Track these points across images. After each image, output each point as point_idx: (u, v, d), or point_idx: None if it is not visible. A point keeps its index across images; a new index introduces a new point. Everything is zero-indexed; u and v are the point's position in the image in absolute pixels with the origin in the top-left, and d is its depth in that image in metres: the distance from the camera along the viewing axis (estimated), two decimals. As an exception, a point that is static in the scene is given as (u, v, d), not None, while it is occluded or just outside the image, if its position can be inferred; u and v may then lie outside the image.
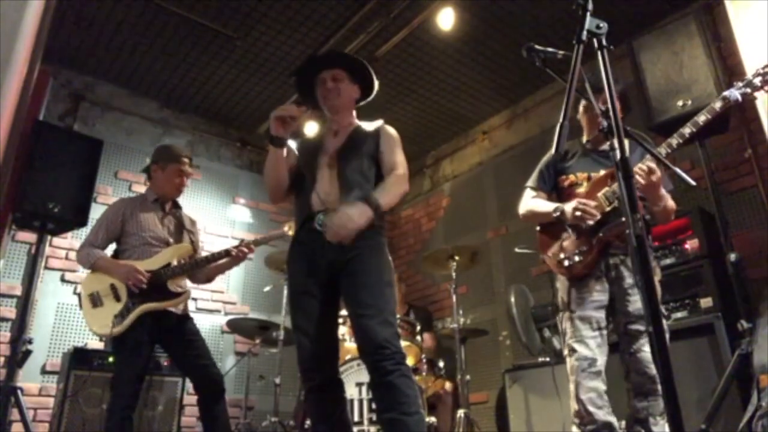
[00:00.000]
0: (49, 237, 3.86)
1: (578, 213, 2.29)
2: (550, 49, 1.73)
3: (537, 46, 1.73)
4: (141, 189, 3.08)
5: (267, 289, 4.52)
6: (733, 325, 2.59)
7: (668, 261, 3.23)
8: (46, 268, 4.07)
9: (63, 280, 4.14)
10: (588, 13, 1.43)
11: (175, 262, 2.83)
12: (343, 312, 2.43)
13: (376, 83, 2.32)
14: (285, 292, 3.97)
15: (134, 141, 4.74)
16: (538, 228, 2.54)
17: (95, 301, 2.67)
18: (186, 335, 2.80)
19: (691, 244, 3.17)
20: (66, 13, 3.92)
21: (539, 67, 1.73)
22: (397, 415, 1.78)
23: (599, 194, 2.34)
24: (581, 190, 2.43)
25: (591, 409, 2.19)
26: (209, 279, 3.06)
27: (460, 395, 3.50)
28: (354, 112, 2.33)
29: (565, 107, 1.39)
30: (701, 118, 2.23)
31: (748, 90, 2.25)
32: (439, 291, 5.25)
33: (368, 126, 2.27)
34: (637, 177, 2.18)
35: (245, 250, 2.97)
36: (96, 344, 3.94)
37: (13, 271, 3.93)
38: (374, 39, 4.17)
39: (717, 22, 3.44)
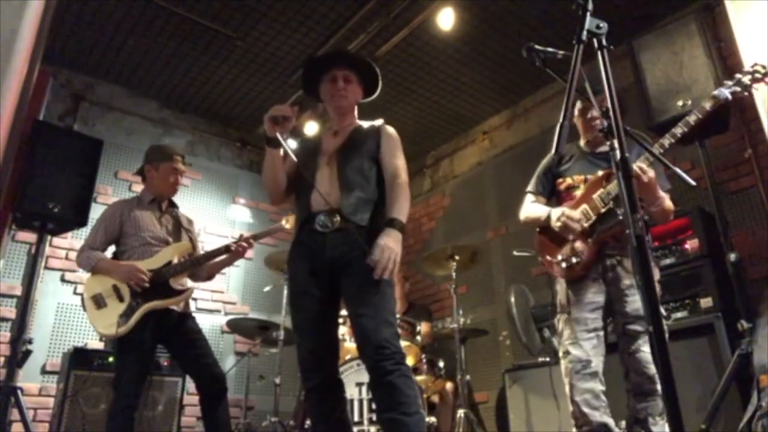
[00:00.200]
0: (49, 237, 3.85)
1: (559, 224, 2.36)
2: (550, 49, 1.73)
3: (537, 46, 1.73)
4: (141, 189, 3.08)
5: (267, 289, 4.52)
6: (733, 325, 2.59)
7: (668, 261, 3.22)
8: (46, 268, 4.07)
9: (63, 280, 4.14)
10: (588, 13, 1.43)
11: (176, 260, 2.84)
12: (343, 312, 2.43)
13: (379, 88, 2.33)
14: (285, 292, 3.97)
15: (134, 141, 4.74)
16: (537, 230, 2.56)
17: (99, 302, 2.66)
18: (188, 334, 2.80)
19: (691, 244, 3.17)
20: (66, 13, 3.92)
21: (539, 67, 1.73)
22: (397, 415, 1.78)
23: (594, 196, 2.36)
24: (578, 192, 2.45)
25: (586, 410, 2.21)
26: (210, 277, 3.07)
27: (460, 395, 3.49)
28: (355, 112, 2.33)
29: (565, 107, 1.38)
30: (692, 118, 2.24)
31: (738, 88, 2.26)
32: (439, 291, 5.25)
33: (368, 125, 2.27)
34: None
35: (244, 245, 2.98)
36: (96, 344, 3.94)
37: (13, 271, 3.93)
38: (374, 39, 4.17)
39: (717, 22, 3.43)
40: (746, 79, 2.27)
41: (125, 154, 4.66)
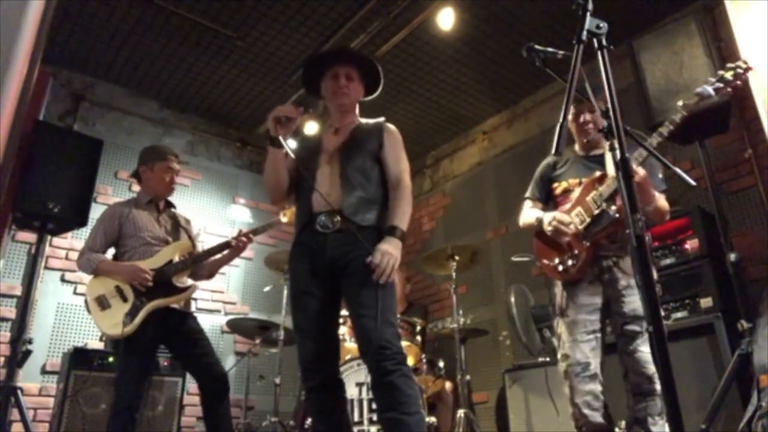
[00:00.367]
0: (49, 237, 3.84)
1: (551, 228, 2.40)
2: (550, 49, 1.73)
3: (537, 46, 1.73)
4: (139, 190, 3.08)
5: (267, 289, 4.52)
6: (733, 325, 2.59)
7: (668, 261, 3.23)
8: (46, 268, 4.07)
9: (63, 280, 4.14)
10: (588, 13, 1.43)
11: (177, 259, 2.85)
12: (343, 312, 2.43)
13: (380, 87, 2.32)
14: (285, 292, 3.97)
15: (134, 141, 4.73)
16: (534, 234, 2.59)
17: (102, 303, 2.66)
18: (190, 334, 2.81)
19: (691, 244, 3.17)
20: (66, 13, 3.92)
21: (539, 67, 1.73)
22: (397, 415, 1.78)
23: (587, 198, 2.38)
24: (574, 195, 2.47)
25: (586, 411, 2.23)
26: (211, 275, 3.08)
27: (460, 395, 3.49)
28: (357, 110, 2.32)
29: (565, 107, 1.38)
30: (677, 116, 2.25)
31: (721, 85, 2.29)
32: (439, 291, 5.25)
33: (370, 123, 2.26)
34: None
35: (244, 240, 2.98)
36: (96, 344, 3.95)
37: (13, 271, 3.93)
38: (374, 39, 4.17)
39: (717, 22, 3.43)
40: (729, 75, 2.29)
41: (125, 154, 4.66)
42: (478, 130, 5.40)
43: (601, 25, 1.42)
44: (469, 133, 5.50)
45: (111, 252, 2.88)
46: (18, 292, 3.87)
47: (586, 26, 1.42)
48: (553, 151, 1.38)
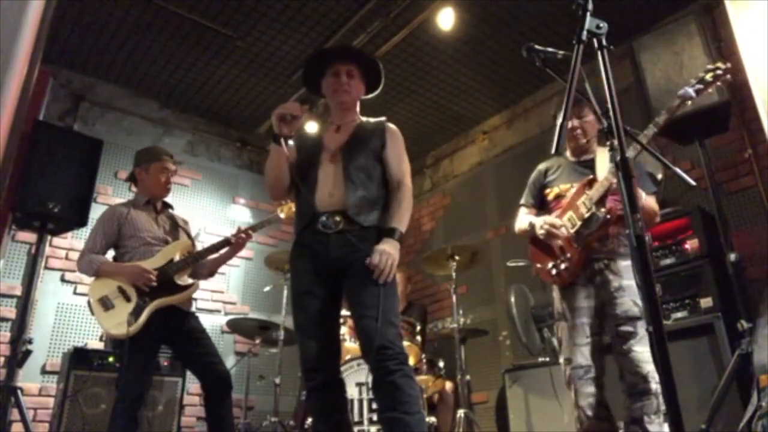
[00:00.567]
0: (49, 237, 3.85)
1: (542, 231, 2.43)
2: (550, 49, 1.73)
3: (537, 46, 1.74)
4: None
5: (267, 289, 4.52)
6: (733, 325, 2.59)
7: (668, 261, 3.23)
8: (46, 268, 4.07)
9: (63, 280, 4.13)
10: (588, 13, 1.43)
11: (177, 257, 2.85)
12: (343, 312, 2.43)
13: (381, 85, 2.32)
14: (285, 292, 3.97)
15: (134, 141, 4.73)
16: (529, 239, 2.61)
17: (106, 304, 2.66)
18: (192, 333, 2.81)
19: (691, 244, 3.17)
20: (66, 13, 3.92)
21: (539, 67, 1.73)
22: (398, 415, 1.78)
23: (578, 202, 2.41)
24: (566, 200, 2.48)
25: (590, 413, 2.26)
26: (211, 273, 3.08)
27: (460, 395, 3.50)
28: (357, 108, 2.31)
29: (565, 107, 1.38)
30: (661, 118, 2.27)
31: (702, 86, 2.31)
32: (439, 291, 5.25)
33: (371, 122, 2.26)
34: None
35: (244, 236, 3.00)
36: (96, 344, 3.95)
37: (13, 271, 3.93)
38: (374, 39, 4.17)
39: (717, 22, 3.43)
40: (708, 77, 2.31)
41: (125, 154, 4.65)
42: (478, 130, 5.40)
43: (601, 25, 1.42)
44: (469, 133, 5.50)
45: (110, 253, 2.88)
46: (18, 292, 3.87)
47: (586, 26, 1.42)
48: (553, 150, 1.38)
